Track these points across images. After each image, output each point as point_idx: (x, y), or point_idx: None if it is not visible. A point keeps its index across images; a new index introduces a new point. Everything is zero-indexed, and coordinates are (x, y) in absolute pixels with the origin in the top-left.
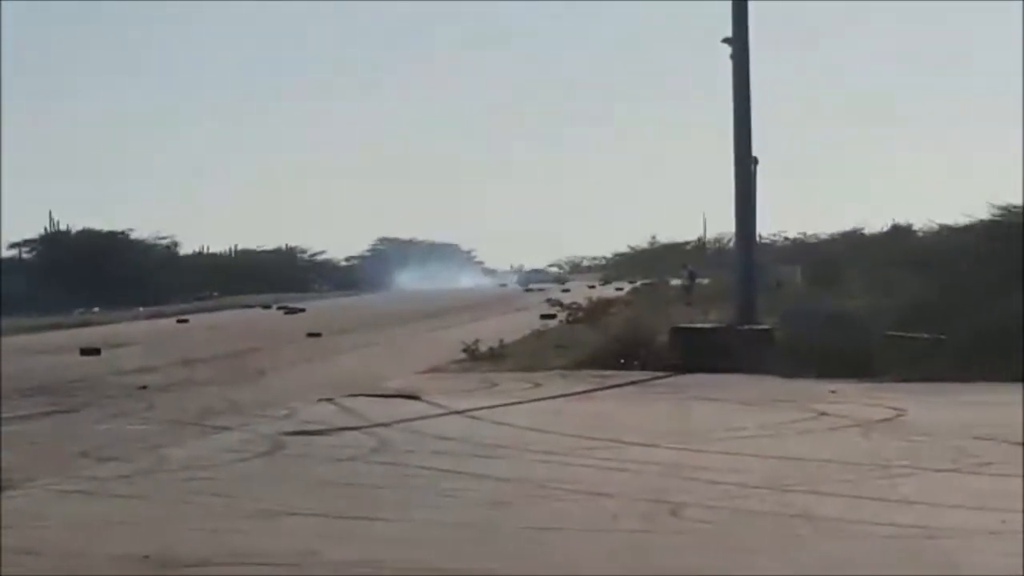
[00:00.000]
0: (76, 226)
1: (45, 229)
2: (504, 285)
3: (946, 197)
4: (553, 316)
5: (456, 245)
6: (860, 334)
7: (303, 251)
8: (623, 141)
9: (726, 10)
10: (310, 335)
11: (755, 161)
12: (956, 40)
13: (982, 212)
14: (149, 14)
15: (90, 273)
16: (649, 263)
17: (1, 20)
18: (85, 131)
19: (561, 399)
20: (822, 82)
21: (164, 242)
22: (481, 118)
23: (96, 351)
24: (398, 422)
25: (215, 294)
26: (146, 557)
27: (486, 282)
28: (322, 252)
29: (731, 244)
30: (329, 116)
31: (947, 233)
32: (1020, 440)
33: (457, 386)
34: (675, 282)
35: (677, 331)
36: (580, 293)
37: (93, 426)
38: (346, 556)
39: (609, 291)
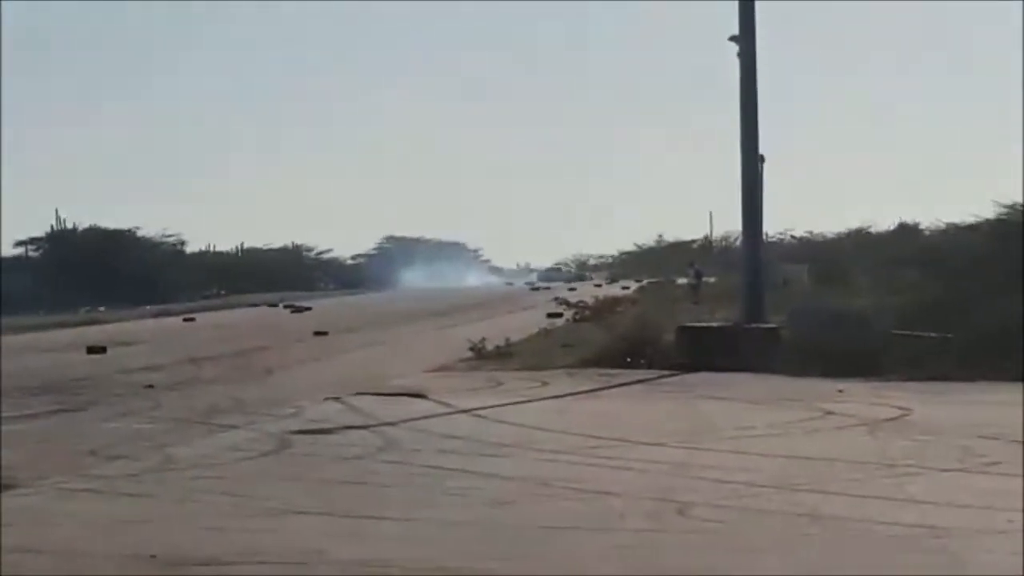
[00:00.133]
0: (82, 224)
1: (52, 227)
2: (511, 284)
3: (953, 196)
4: (560, 315)
5: (462, 244)
6: (866, 333)
7: (309, 249)
8: (630, 139)
9: (733, 8)
10: (316, 333)
11: (762, 159)
12: (963, 38)
13: (988, 211)
14: (155, 13)
15: (96, 271)
16: (656, 262)
17: (1, 19)
18: (92, 129)
19: (567, 398)
20: (829, 80)
21: (171, 240)
22: (487, 117)
23: (102, 349)
24: (404, 421)
25: (222, 292)
26: (153, 556)
27: (493, 281)
28: (328, 250)
29: (738, 243)
30: (335, 114)
31: (954, 232)
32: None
33: (463, 385)
34: (682, 281)
35: (684, 330)
36: (586, 292)
37: (100, 424)
38: (353, 555)
39: (615, 290)
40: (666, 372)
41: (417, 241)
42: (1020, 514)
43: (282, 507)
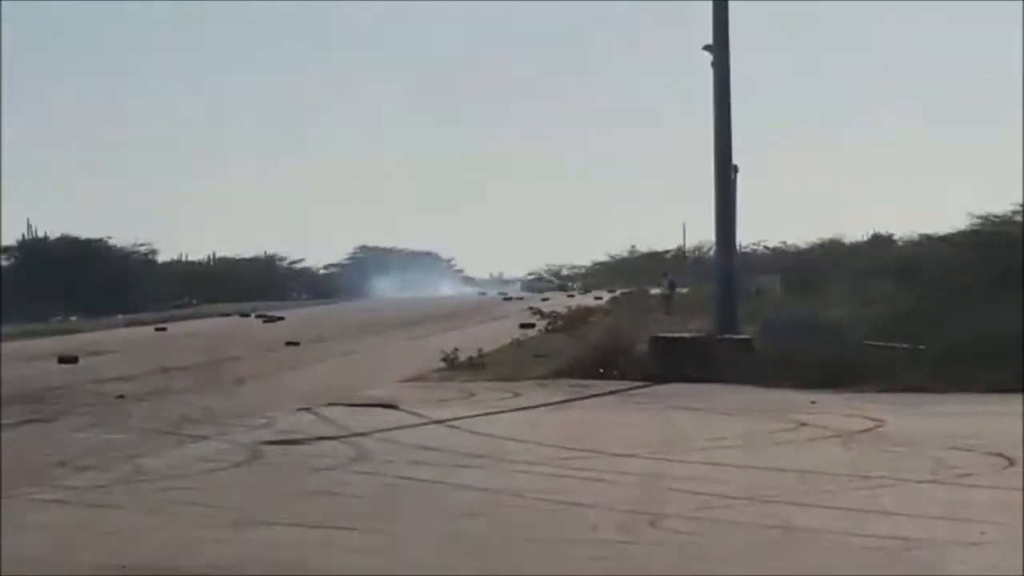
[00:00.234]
0: (54, 233)
1: (23, 236)
2: (484, 293)
3: (927, 207)
4: (532, 325)
5: (435, 253)
6: (839, 344)
7: (282, 259)
8: (603, 149)
9: (708, 17)
10: (289, 344)
11: (735, 169)
12: (937, 49)
13: (962, 222)
14: (113, 15)
15: (68, 281)
16: (629, 272)
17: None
18: (65, 138)
19: (540, 409)
20: (803, 91)
21: (142, 250)
22: (461, 126)
23: (74, 359)
24: (376, 431)
25: (194, 302)
26: (124, 567)
27: (467, 291)
28: (301, 260)
29: (711, 253)
30: (308, 123)
31: (927, 243)
32: (999, 451)
33: (436, 396)
34: (655, 291)
35: (657, 340)
36: (559, 302)
37: (70, 435)
38: (324, 566)
39: (588, 300)
40: (639, 383)
41: (390, 251)
42: (992, 526)
43: (253, 518)
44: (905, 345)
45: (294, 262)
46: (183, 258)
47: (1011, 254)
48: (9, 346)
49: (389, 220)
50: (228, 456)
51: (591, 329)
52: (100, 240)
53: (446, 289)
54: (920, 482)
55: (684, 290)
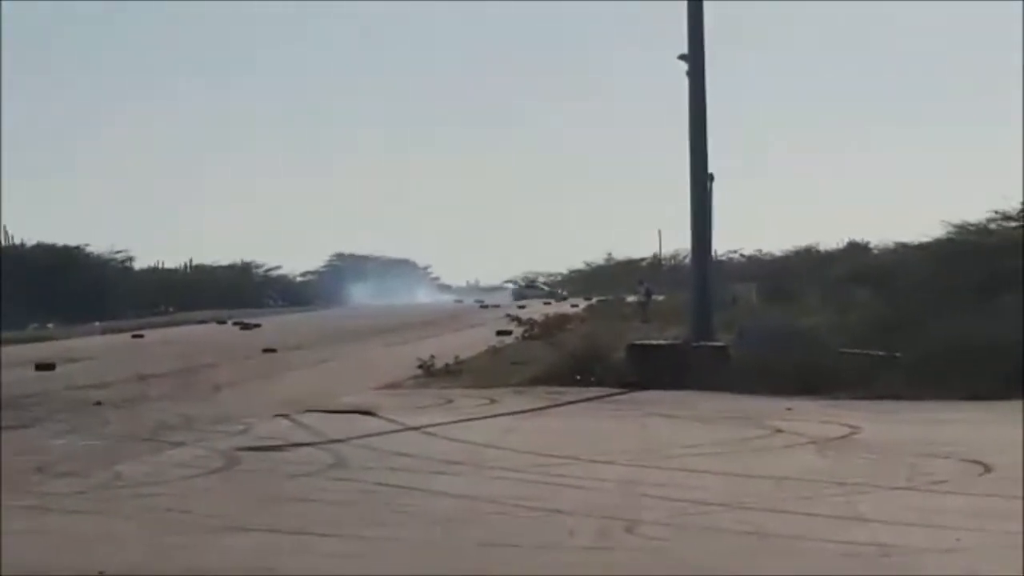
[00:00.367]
0: (31, 240)
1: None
2: (460, 301)
3: (903, 215)
4: (509, 332)
5: (412, 261)
6: (815, 351)
7: (258, 266)
8: (579, 157)
9: (683, 27)
10: (266, 351)
11: (711, 177)
12: (913, 56)
13: (938, 231)
14: (99, 16)
15: (45, 288)
16: (605, 279)
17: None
18: (41, 144)
19: (517, 415)
20: (778, 98)
21: (119, 257)
22: (436, 134)
23: (51, 366)
24: (354, 438)
25: (170, 309)
26: (101, 573)
27: (444, 298)
28: (277, 267)
29: (687, 261)
30: (285, 131)
31: (903, 251)
32: (974, 458)
33: (413, 402)
34: (631, 299)
35: (633, 348)
36: (536, 310)
37: (48, 441)
38: (300, 572)
39: (565, 307)
40: (616, 390)
41: (366, 258)
42: (968, 533)
43: (230, 524)
44: (881, 352)
45: (270, 269)
46: (160, 265)
47: (986, 262)
48: None
49: (366, 228)
50: (205, 463)
51: (568, 336)
52: (77, 247)
53: (423, 297)
54: (896, 489)
55: (660, 297)
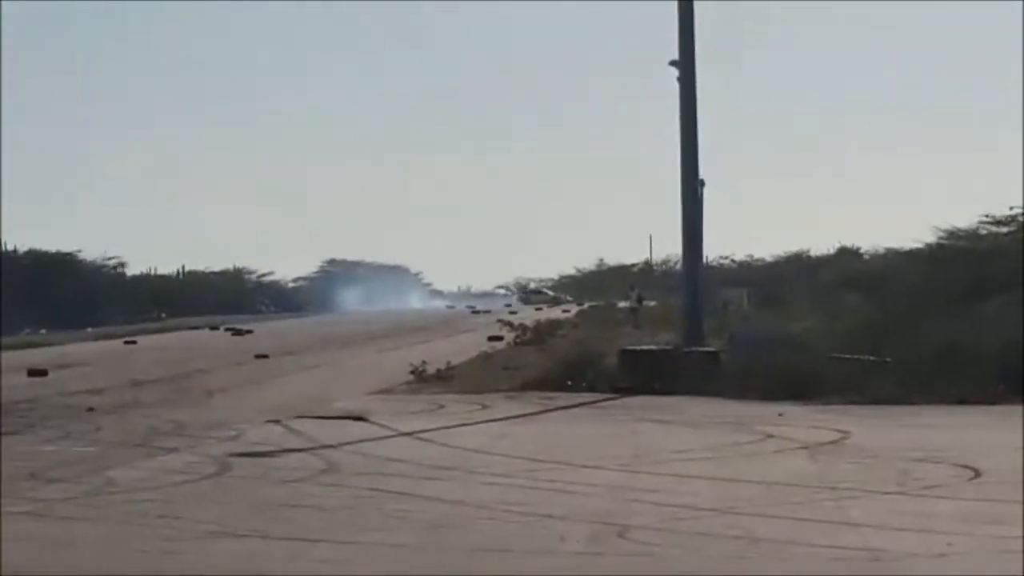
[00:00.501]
0: (23, 246)
1: None
2: (452, 307)
3: (893, 221)
4: (500, 338)
5: (404, 267)
6: (806, 356)
7: (250, 272)
8: (570, 163)
9: (674, 33)
10: (258, 356)
11: (702, 183)
12: (904, 63)
13: (928, 236)
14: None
15: (37, 294)
16: (596, 285)
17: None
18: (34, 152)
19: (509, 421)
20: (769, 104)
21: (112, 263)
22: (429, 140)
23: (43, 372)
24: (346, 444)
25: (163, 315)
26: None
27: (436, 304)
28: (270, 273)
29: (678, 266)
30: (278, 137)
31: (893, 257)
32: (965, 463)
33: (405, 408)
34: (623, 304)
35: (624, 353)
36: (528, 315)
37: (40, 447)
38: None
39: (556, 313)
40: (607, 395)
41: (358, 264)
42: (958, 537)
43: (222, 530)
44: (871, 358)
45: (263, 275)
46: (152, 271)
47: (976, 267)
48: None
49: (358, 234)
50: (197, 468)
51: (559, 342)
52: (69, 254)
53: (415, 302)
54: (887, 493)
55: (651, 303)
